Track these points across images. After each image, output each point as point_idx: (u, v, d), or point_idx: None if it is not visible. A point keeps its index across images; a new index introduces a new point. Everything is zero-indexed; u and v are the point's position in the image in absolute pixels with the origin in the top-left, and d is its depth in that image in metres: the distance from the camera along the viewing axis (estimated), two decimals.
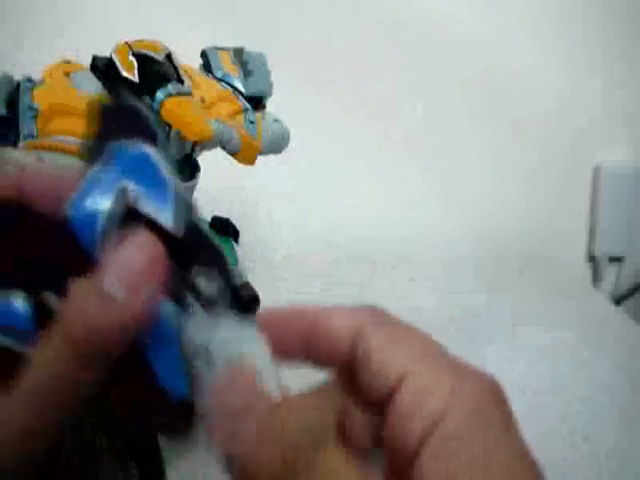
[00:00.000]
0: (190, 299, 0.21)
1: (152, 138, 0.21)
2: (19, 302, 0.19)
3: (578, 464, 0.50)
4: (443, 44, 0.86)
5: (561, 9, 0.87)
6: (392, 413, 0.19)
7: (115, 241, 0.19)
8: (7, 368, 0.19)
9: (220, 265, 0.21)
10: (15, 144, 0.35)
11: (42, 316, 0.19)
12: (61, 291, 0.19)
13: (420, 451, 0.18)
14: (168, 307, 0.20)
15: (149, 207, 0.20)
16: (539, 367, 0.61)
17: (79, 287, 0.19)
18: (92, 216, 0.19)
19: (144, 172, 0.20)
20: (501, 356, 0.62)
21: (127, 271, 0.19)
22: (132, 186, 0.20)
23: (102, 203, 0.19)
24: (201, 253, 0.22)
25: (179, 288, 0.20)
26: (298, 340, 0.21)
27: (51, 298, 0.19)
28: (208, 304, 0.21)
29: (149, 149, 0.21)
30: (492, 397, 0.19)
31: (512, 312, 0.72)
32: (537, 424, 0.55)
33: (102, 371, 0.19)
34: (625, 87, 0.89)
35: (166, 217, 0.20)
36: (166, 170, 0.20)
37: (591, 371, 0.61)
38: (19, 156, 0.31)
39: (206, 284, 0.21)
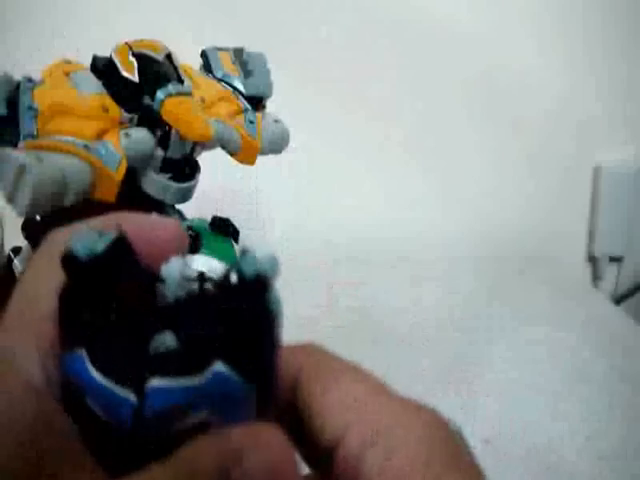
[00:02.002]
0: None
1: None
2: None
3: (578, 464, 0.50)
4: (443, 44, 0.86)
5: (561, 9, 0.87)
6: (337, 466, 0.18)
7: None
8: None
9: None
10: (15, 144, 0.35)
11: None
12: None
13: None
14: None
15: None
16: (539, 367, 0.61)
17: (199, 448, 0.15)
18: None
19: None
20: (501, 356, 0.62)
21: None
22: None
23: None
24: None
25: None
26: None
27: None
28: None
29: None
30: (436, 433, 0.18)
31: (512, 312, 0.72)
32: (537, 424, 0.55)
33: None
34: (625, 87, 0.89)
35: None
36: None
37: (591, 371, 0.61)
38: (20, 156, 0.31)
39: None
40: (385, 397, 0.19)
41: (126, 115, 0.38)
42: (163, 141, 0.39)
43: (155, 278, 0.17)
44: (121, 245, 0.17)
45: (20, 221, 0.43)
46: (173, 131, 0.38)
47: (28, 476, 0.15)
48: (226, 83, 0.47)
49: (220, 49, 0.48)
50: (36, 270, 0.19)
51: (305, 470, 0.20)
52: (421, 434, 0.18)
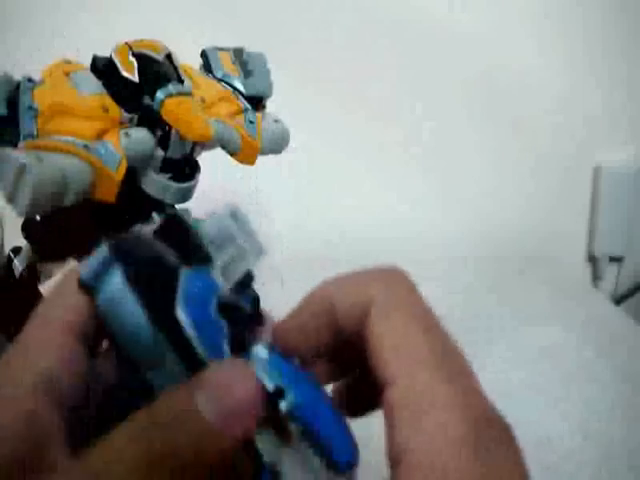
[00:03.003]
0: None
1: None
2: None
3: (578, 464, 0.50)
4: (443, 44, 0.86)
5: (561, 9, 0.87)
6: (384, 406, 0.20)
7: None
8: None
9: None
10: (15, 144, 0.35)
11: None
12: None
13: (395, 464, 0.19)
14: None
15: None
16: (539, 367, 0.61)
17: (172, 395, 0.19)
18: None
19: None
20: (501, 356, 0.62)
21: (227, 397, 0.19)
22: None
23: None
24: None
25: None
26: (317, 329, 0.23)
27: None
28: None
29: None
30: (478, 425, 0.19)
31: (512, 312, 0.72)
32: (537, 424, 0.55)
33: None
34: (625, 87, 0.89)
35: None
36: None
37: (591, 371, 0.61)
38: (20, 156, 0.31)
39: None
40: (437, 369, 0.20)
41: (126, 115, 0.38)
42: (163, 141, 0.39)
43: None
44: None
45: (20, 221, 0.43)
46: (173, 131, 0.38)
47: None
48: (226, 83, 0.47)
49: (220, 49, 0.48)
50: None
51: None
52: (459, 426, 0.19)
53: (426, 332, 0.21)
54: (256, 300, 0.40)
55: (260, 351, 0.22)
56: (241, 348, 0.21)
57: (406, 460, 0.18)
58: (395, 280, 0.23)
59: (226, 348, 0.21)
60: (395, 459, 0.19)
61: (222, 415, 0.18)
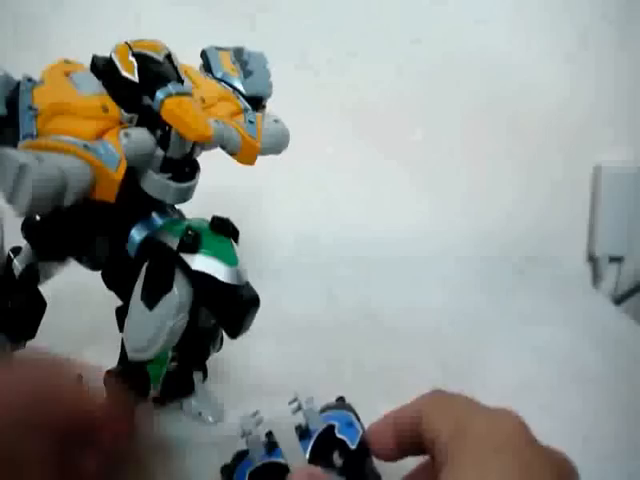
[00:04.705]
0: None
1: None
2: None
3: (578, 464, 0.50)
4: (442, 45, 0.86)
5: (561, 9, 0.87)
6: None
7: None
8: None
9: None
10: (15, 144, 0.35)
11: None
12: None
13: None
14: None
15: None
16: (539, 367, 0.61)
17: None
18: None
19: None
20: (500, 356, 0.62)
21: None
22: None
23: None
24: None
25: None
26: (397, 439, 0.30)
27: None
28: None
29: None
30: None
31: (512, 312, 0.72)
32: (537, 424, 0.55)
33: None
34: (625, 87, 0.89)
35: None
36: None
37: (591, 371, 0.61)
38: (20, 156, 0.31)
39: None
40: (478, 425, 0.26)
41: (126, 115, 0.38)
42: (163, 141, 0.39)
43: None
44: None
45: (20, 221, 0.43)
46: (173, 131, 0.38)
47: None
48: (226, 83, 0.47)
49: (220, 49, 0.48)
50: None
51: None
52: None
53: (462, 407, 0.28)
54: (256, 300, 0.40)
55: None
56: None
57: None
58: (438, 393, 0.30)
59: None
60: None
61: None
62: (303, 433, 0.36)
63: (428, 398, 0.29)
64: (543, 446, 0.26)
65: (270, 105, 0.49)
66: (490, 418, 0.26)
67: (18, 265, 0.45)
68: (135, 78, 0.38)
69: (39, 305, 0.46)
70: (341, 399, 0.39)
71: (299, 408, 0.37)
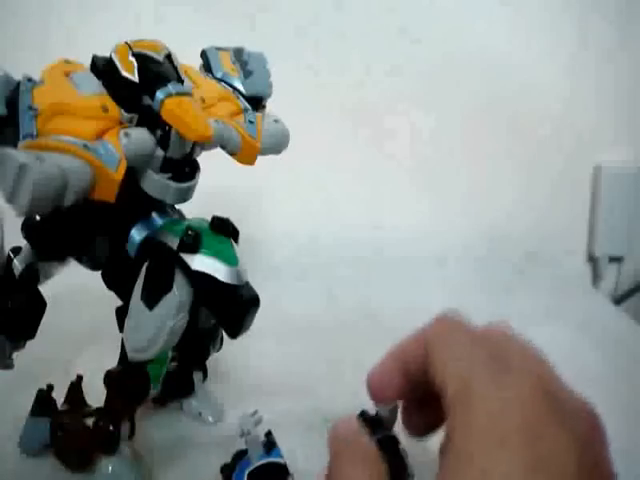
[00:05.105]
0: None
1: None
2: None
3: None
4: (442, 46, 0.86)
5: (562, 10, 0.87)
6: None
7: None
8: None
9: None
10: (15, 144, 0.35)
11: None
12: None
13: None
14: None
15: None
16: None
17: None
18: None
19: None
20: None
21: None
22: None
23: None
24: None
25: None
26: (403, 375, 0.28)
27: None
28: None
29: None
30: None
31: (512, 312, 0.72)
32: None
33: None
34: (625, 88, 0.89)
35: None
36: None
37: (591, 371, 0.61)
38: (20, 156, 0.31)
39: None
40: (493, 372, 0.24)
41: (126, 115, 0.38)
42: (163, 141, 0.39)
43: None
44: None
45: (20, 221, 0.43)
46: (173, 131, 0.38)
47: None
48: (226, 83, 0.47)
49: (220, 49, 0.48)
50: None
51: None
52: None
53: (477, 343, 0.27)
54: (256, 299, 0.40)
55: None
56: None
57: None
58: (448, 319, 0.29)
59: None
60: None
61: None
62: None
63: (433, 331, 0.27)
64: (564, 411, 0.24)
65: (270, 105, 0.49)
66: (499, 385, 0.23)
67: (18, 265, 0.45)
68: (135, 78, 0.38)
69: (39, 305, 0.46)
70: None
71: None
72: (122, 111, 0.38)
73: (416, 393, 0.27)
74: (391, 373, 0.28)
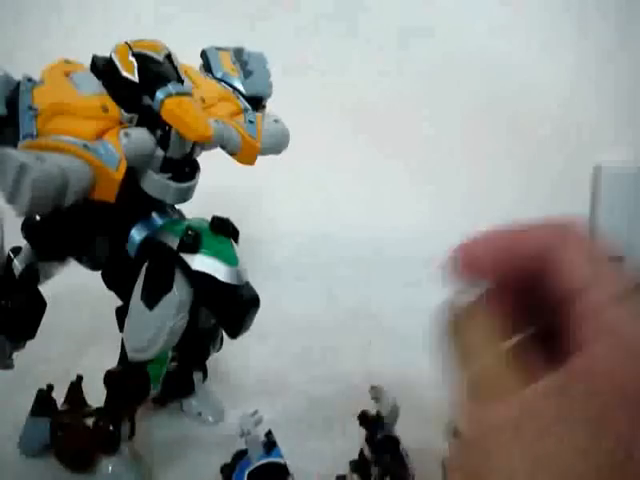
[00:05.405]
0: None
1: None
2: None
3: None
4: (444, 47, 0.86)
5: (562, 10, 0.87)
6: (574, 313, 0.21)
7: None
8: None
9: None
10: (15, 144, 0.35)
11: None
12: None
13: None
14: None
15: None
16: None
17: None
18: None
19: None
20: None
21: None
22: None
23: None
24: None
25: None
26: (493, 260, 0.25)
27: None
28: None
29: None
30: None
31: None
32: None
33: None
34: (625, 87, 0.89)
35: None
36: None
37: None
38: (20, 156, 0.31)
39: None
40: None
41: (126, 115, 0.38)
42: (163, 141, 0.39)
43: None
44: None
45: (20, 221, 0.43)
46: (173, 131, 0.38)
47: None
48: (226, 83, 0.47)
49: (220, 49, 0.48)
50: None
51: None
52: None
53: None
54: (256, 299, 0.40)
55: None
56: None
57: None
58: (571, 228, 0.25)
59: None
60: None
61: None
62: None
63: (560, 236, 0.24)
64: None
65: (270, 105, 0.49)
66: None
67: (18, 265, 0.45)
68: (135, 78, 0.38)
69: (39, 305, 0.46)
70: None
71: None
72: (122, 111, 0.38)
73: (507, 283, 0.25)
74: (494, 252, 0.25)
